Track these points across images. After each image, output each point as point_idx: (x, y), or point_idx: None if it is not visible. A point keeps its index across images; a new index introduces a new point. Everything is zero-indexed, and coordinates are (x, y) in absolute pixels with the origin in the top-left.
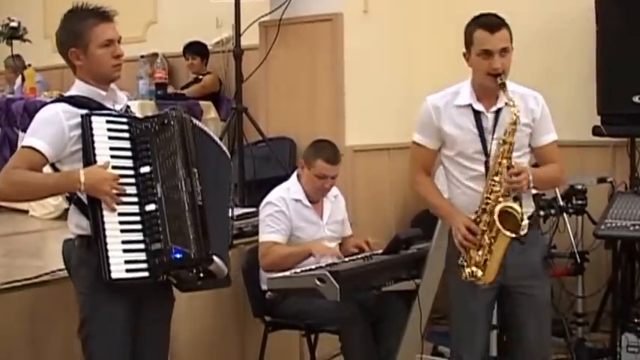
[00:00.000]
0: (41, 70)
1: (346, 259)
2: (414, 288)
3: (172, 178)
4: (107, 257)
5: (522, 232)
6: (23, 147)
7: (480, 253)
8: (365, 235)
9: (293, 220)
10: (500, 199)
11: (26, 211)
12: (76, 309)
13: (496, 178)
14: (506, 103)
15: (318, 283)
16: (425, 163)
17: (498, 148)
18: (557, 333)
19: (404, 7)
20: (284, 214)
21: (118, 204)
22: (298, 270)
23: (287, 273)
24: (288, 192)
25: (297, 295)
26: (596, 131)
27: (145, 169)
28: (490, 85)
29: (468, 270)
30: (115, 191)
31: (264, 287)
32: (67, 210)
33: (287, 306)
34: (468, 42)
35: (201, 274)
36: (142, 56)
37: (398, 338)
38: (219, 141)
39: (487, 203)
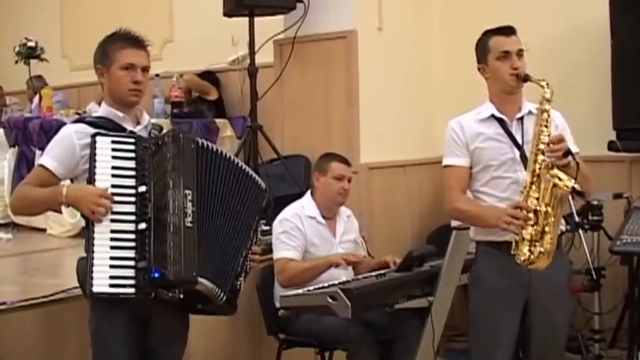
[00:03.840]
0: (59, 88)
1: (359, 276)
2: (427, 305)
3: (161, 198)
4: (92, 271)
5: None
6: (37, 165)
7: (534, 227)
8: (381, 252)
9: (307, 236)
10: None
11: (44, 230)
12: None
13: (541, 146)
14: (540, 84)
15: (330, 300)
16: (461, 183)
17: (538, 116)
18: (573, 350)
19: (418, 23)
20: (299, 230)
21: (112, 221)
22: (311, 287)
23: (299, 290)
24: (302, 209)
25: (309, 313)
26: (611, 146)
27: (142, 189)
28: (514, 85)
29: (524, 250)
30: (101, 208)
31: (277, 305)
32: (84, 228)
33: (300, 324)
34: (484, 52)
35: (182, 295)
36: (157, 75)
37: (412, 356)
38: (244, 165)
39: (534, 174)
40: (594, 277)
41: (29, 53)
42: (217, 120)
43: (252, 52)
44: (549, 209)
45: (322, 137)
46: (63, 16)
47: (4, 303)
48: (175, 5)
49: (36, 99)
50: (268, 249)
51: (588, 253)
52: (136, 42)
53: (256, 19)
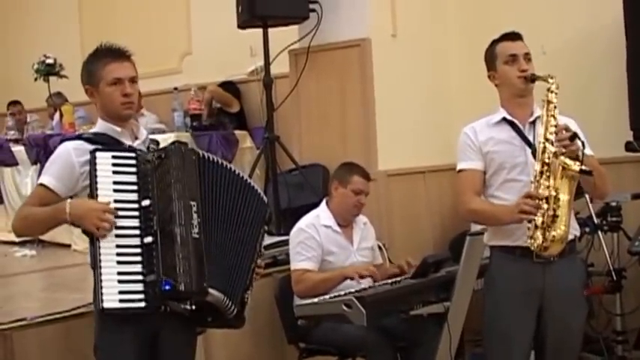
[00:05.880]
0: (82, 104)
1: (375, 284)
2: (443, 311)
3: (166, 210)
4: (101, 287)
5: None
6: (37, 185)
7: (546, 211)
8: (402, 259)
9: (324, 245)
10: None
11: (69, 245)
12: None
13: (549, 136)
14: (547, 81)
15: (344, 308)
16: (475, 185)
17: (543, 107)
18: (595, 352)
19: (432, 29)
20: (315, 240)
21: (117, 236)
22: (326, 296)
23: (315, 300)
24: (318, 219)
25: (326, 321)
26: (629, 147)
27: (146, 203)
28: (523, 87)
29: (538, 235)
30: (105, 223)
31: None
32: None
33: (319, 332)
34: (492, 59)
35: (194, 307)
36: (176, 88)
37: None
38: (247, 178)
39: (544, 163)
40: (615, 278)
41: (48, 70)
42: (237, 131)
43: (267, 62)
44: (559, 193)
45: (339, 145)
46: (83, 32)
47: (23, 319)
48: (193, 18)
49: (57, 116)
50: (287, 259)
51: (608, 254)
52: (118, 55)
53: (272, 30)
